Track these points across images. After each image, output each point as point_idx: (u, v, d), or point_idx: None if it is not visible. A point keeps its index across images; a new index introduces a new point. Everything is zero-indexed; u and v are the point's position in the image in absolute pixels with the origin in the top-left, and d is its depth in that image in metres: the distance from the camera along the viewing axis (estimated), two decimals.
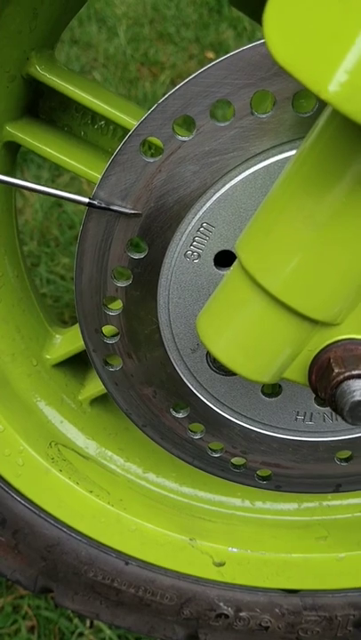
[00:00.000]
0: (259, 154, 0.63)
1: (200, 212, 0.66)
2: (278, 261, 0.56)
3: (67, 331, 1.02)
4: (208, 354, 0.75)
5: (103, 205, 0.67)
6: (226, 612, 1.05)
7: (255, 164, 0.64)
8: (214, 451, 0.83)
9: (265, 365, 0.61)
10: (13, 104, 0.80)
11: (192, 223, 0.67)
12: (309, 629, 1.06)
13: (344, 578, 1.02)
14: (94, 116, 0.83)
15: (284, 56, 0.42)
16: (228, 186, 0.65)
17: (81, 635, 1.29)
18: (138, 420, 0.83)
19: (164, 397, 0.80)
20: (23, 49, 0.76)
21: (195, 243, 0.68)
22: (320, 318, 0.58)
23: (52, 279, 1.92)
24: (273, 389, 0.77)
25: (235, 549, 1.02)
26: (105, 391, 0.84)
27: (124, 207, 0.67)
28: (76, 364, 1.02)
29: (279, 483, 0.85)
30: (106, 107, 0.79)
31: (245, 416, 0.78)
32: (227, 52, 0.60)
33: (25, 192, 2.17)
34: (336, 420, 0.77)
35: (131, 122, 0.79)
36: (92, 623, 1.31)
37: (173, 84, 2.83)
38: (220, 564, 1.02)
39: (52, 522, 1.00)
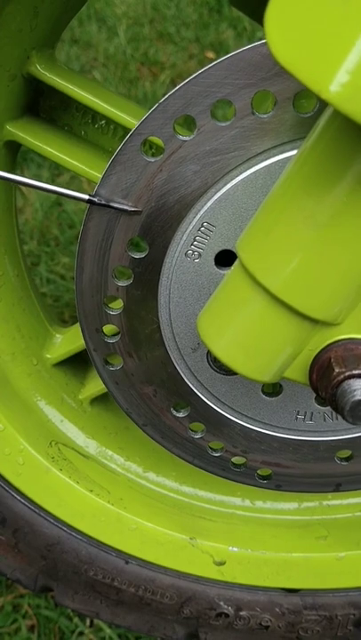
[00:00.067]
0: (260, 154, 0.63)
1: (201, 212, 0.66)
2: (279, 261, 0.56)
3: (67, 330, 1.02)
4: (209, 353, 0.75)
5: (103, 202, 0.67)
6: (226, 612, 1.05)
7: (256, 164, 0.64)
8: (215, 450, 0.83)
9: (266, 365, 0.61)
10: (14, 103, 0.80)
11: (193, 223, 0.67)
12: (310, 629, 1.06)
13: (344, 577, 1.02)
14: (95, 115, 0.83)
15: (286, 56, 0.42)
16: (228, 185, 0.65)
17: (81, 634, 1.29)
18: (138, 419, 0.83)
19: (165, 396, 0.80)
20: (24, 48, 0.76)
21: (195, 242, 0.68)
22: (321, 318, 0.58)
23: (52, 278, 1.92)
24: (273, 389, 0.77)
25: (235, 548, 1.02)
26: (105, 390, 0.84)
27: (125, 204, 0.67)
28: (77, 364, 1.03)
29: (279, 482, 0.85)
30: (106, 106, 0.79)
31: (246, 415, 0.79)
32: (227, 52, 0.60)
33: (25, 191, 2.17)
34: (336, 419, 0.78)
35: (131, 121, 0.79)
36: (92, 622, 1.31)
37: (173, 83, 2.83)
38: (221, 564, 1.02)
39: (53, 521, 1.00)
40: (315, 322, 0.59)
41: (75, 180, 2.24)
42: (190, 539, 1.02)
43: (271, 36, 0.42)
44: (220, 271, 0.69)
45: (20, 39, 0.75)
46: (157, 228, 0.68)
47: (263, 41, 0.55)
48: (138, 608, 1.06)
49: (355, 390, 0.58)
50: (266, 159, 0.64)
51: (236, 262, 0.60)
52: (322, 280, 0.55)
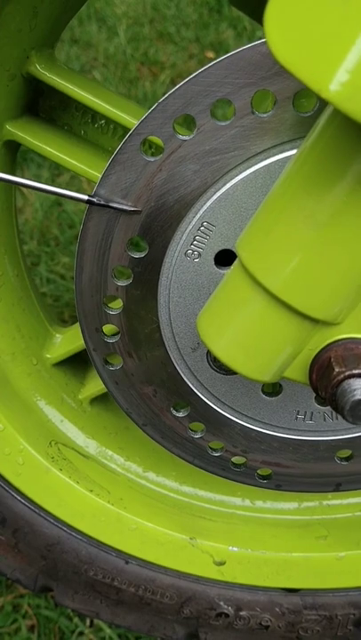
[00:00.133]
0: (259, 153, 0.63)
1: (201, 211, 0.66)
2: (279, 260, 0.56)
3: (67, 330, 1.02)
4: (208, 353, 0.75)
5: (102, 203, 0.66)
6: (226, 611, 1.05)
7: (256, 164, 0.64)
8: (215, 450, 0.83)
9: (265, 364, 0.61)
10: (13, 103, 0.80)
11: (193, 222, 0.67)
12: (310, 628, 1.06)
13: (344, 577, 1.02)
14: (94, 114, 0.83)
15: (285, 55, 0.42)
16: (228, 185, 0.65)
17: (81, 634, 1.29)
18: (138, 419, 0.83)
19: (165, 396, 0.80)
20: (23, 47, 0.76)
21: (195, 242, 0.68)
22: (321, 317, 0.58)
23: (52, 278, 1.92)
24: (273, 388, 0.77)
25: (235, 548, 1.02)
26: (105, 390, 0.84)
27: (124, 204, 0.67)
28: (77, 364, 1.02)
29: (279, 482, 0.85)
30: (106, 106, 0.79)
31: (246, 415, 0.79)
32: (227, 52, 0.60)
33: (25, 191, 2.17)
34: (336, 419, 0.78)
35: (131, 121, 0.79)
36: (92, 622, 1.31)
37: (173, 83, 2.83)
38: (221, 563, 1.02)
39: (52, 521, 1.00)
40: (315, 321, 0.59)
41: (75, 179, 2.24)
42: (190, 539, 1.02)
43: (271, 35, 0.42)
44: (220, 271, 0.69)
45: (20, 39, 0.75)
46: (157, 227, 0.68)
47: (263, 40, 0.55)
48: (138, 608, 1.06)
49: (355, 390, 0.58)
50: (266, 158, 0.63)
51: (236, 262, 0.60)
52: (322, 279, 0.55)
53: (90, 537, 1.01)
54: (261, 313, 0.58)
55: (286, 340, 0.60)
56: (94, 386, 1.01)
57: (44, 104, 0.84)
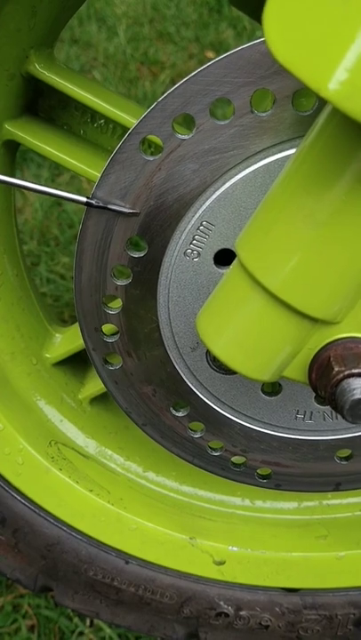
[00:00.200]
0: (259, 152, 0.63)
1: (200, 211, 0.66)
2: (278, 260, 0.56)
3: (66, 330, 1.02)
4: (208, 352, 0.75)
5: (101, 205, 0.66)
6: (226, 611, 1.05)
7: (255, 163, 0.64)
8: (214, 449, 0.83)
9: (265, 364, 0.61)
10: (13, 102, 0.80)
11: (192, 222, 0.67)
12: (310, 628, 1.06)
13: (344, 576, 1.02)
14: (94, 114, 0.83)
15: (284, 54, 0.42)
16: (227, 184, 0.65)
17: (81, 634, 1.29)
18: (138, 418, 0.83)
19: (164, 396, 0.80)
20: (22, 47, 0.76)
21: (194, 241, 0.68)
22: (320, 316, 0.58)
23: (51, 278, 1.92)
24: (273, 388, 0.77)
25: (235, 548, 1.02)
26: (105, 390, 0.84)
27: (123, 206, 0.67)
28: (76, 363, 1.02)
29: (279, 481, 0.85)
30: (105, 105, 0.79)
31: (245, 415, 0.78)
32: (226, 52, 0.60)
33: (25, 191, 2.17)
34: (336, 418, 0.77)
35: (130, 120, 0.79)
36: (92, 622, 1.31)
37: (173, 83, 2.82)
38: (221, 563, 1.02)
39: (52, 521, 1.00)
40: (314, 320, 0.59)
41: (75, 179, 2.24)
42: (190, 538, 1.02)
43: (270, 35, 0.42)
44: (220, 270, 0.69)
45: (19, 38, 0.75)
46: (156, 227, 0.68)
47: (262, 39, 0.55)
48: (138, 608, 1.06)
49: (354, 389, 0.58)
50: (265, 158, 0.63)
51: (235, 261, 0.60)
52: (321, 279, 0.55)
53: (90, 537, 1.01)
54: (261, 312, 0.58)
55: (286, 339, 0.60)
56: (94, 385, 1.01)
57: (43, 104, 0.84)
